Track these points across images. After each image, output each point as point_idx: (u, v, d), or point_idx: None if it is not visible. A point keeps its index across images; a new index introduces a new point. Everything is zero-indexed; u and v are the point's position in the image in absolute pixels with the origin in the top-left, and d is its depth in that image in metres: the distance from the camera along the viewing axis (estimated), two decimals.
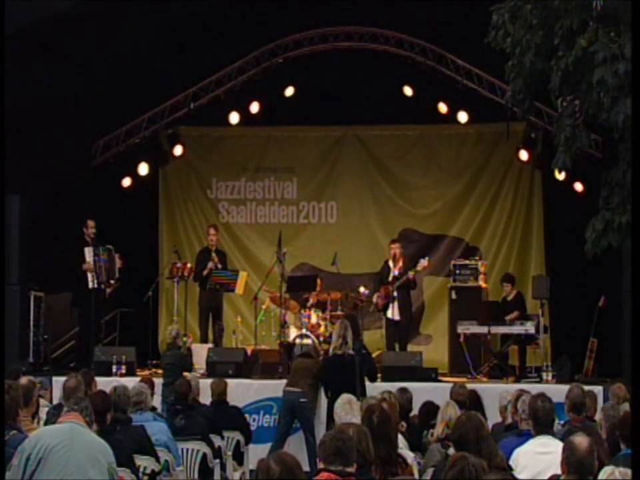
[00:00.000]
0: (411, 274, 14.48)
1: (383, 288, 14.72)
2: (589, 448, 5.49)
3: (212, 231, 15.54)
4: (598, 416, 8.39)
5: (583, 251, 9.91)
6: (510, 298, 14.83)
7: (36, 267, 14.36)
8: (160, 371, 13.98)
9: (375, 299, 14.80)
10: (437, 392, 11.30)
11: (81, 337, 14.73)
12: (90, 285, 14.31)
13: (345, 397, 7.56)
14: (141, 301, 15.26)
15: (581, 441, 5.54)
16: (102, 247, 14.47)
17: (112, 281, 14.64)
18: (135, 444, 7.91)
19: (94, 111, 15.91)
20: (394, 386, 10.84)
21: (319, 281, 15.12)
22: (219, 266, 15.16)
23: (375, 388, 11.27)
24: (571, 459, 5.49)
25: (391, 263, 14.82)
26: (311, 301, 14.83)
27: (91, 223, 14.57)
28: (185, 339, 13.93)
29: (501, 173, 17.19)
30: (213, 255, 15.24)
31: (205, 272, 15.05)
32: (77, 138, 16.05)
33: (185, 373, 12.13)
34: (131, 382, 10.02)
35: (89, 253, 14.36)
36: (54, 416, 8.09)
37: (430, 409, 9.40)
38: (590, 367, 13.56)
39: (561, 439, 6.49)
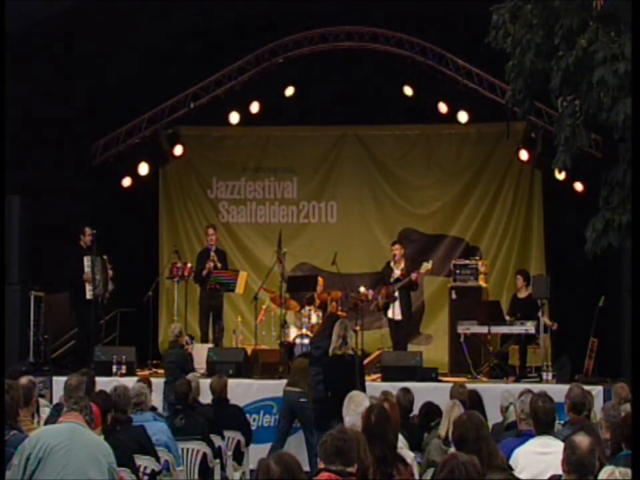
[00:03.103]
0: (413, 276, 14.51)
1: (384, 288, 14.74)
2: (589, 447, 5.49)
3: (210, 231, 15.55)
4: (598, 416, 8.39)
5: (583, 250, 9.91)
6: (523, 296, 14.74)
7: (36, 267, 14.35)
8: (160, 371, 14.01)
9: (378, 297, 14.83)
10: (437, 392, 11.31)
11: (81, 336, 14.72)
12: (88, 296, 14.30)
13: (348, 394, 7.59)
14: (141, 300, 15.26)
15: (581, 440, 5.53)
16: (99, 258, 14.43)
17: (107, 294, 14.62)
18: (135, 444, 7.92)
19: (94, 111, 15.90)
20: (394, 386, 10.86)
21: (320, 280, 15.13)
22: (219, 265, 15.17)
23: (375, 388, 11.27)
24: (571, 458, 5.48)
25: (392, 264, 14.85)
26: (318, 301, 14.84)
27: (88, 230, 14.50)
28: (186, 338, 13.85)
29: (501, 173, 17.19)
30: (212, 254, 15.25)
31: (204, 272, 15.05)
32: (77, 138, 16.05)
33: None
34: (130, 382, 10.02)
35: (87, 262, 14.34)
36: (53, 416, 8.09)
37: (430, 410, 9.40)
38: (590, 366, 13.55)
39: (562, 440, 6.49)
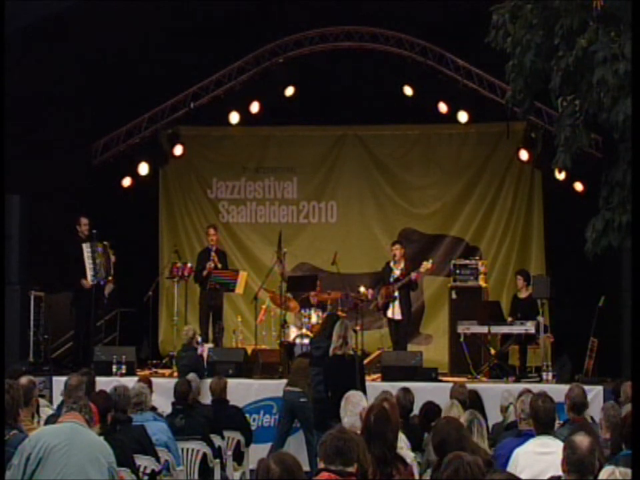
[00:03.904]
0: (413, 275, 14.52)
1: (384, 288, 14.75)
2: (589, 447, 5.49)
3: (211, 231, 15.54)
4: (598, 415, 8.39)
5: (583, 250, 9.91)
6: (523, 296, 14.76)
7: (36, 267, 14.35)
8: (160, 371, 14.04)
9: (378, 297, 14.85)
10: (437, 392, 11.30)
11: (78, 337, 14.72)
12: (90, 282, 14.31)
13: (345, 395, 7.58)
14: (141, 300, 15.26)
15: (581, 440, 5.53)
16: (99, 243, 14.48)
17: (110, 277, 14.63)
18: (136, 444, 7.92)
19: (94, 111, 15.90)
20: (394, 386, 10.86)
21: (318, 282, 15.14)
22: (219, 266, 15.17)
23: (375, 388, 11.27)
24: (571, 458, 5.48)
25: (392, 264, 14.86)
26: (317, 301, 14.84)
27: (84, 220, 14.61)
28: (197, 338, 13.83)
29: (501, 173, 17.18)
30: (213, 254, 15.25)
31: (205, 273, 15.04)
32: (77, 138, 16.05)
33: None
34: (130, 382, 10.04)
35: (86, 249, 14.38)
36: (57, 415, 8.09)
37: (430, 409, 9.39)
38: (590, 366, 13.55)
39: (562, 440, 6.49)
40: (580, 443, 5.51)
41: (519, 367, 14.53)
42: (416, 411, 9.81)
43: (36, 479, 6.06)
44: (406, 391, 9.91)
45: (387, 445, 6.14)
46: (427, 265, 14.59)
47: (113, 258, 14.71)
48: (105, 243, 14.61)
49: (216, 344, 14.68)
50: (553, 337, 14.60)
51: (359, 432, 6.36)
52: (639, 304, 7.99)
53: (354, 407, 7.42)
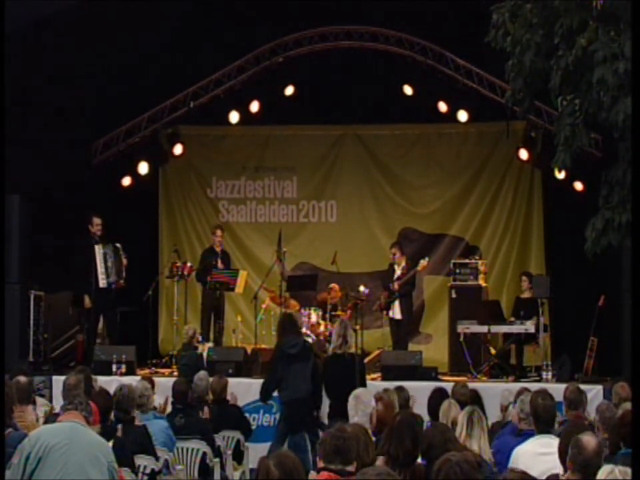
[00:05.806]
0: (419, 266, 14.65)
1: (386, 291, 14.81)
2: (596, 448, 5.48)
3: (218, 232, 15.48)
4: (593, 416, 8.40)
5: (583, 250, 9.91)
6: (525, 296, 14.81)
7: (36, 267, 14.35)
8: (161, 370, 14.04)
9: (381, 298, 14.87)
10: None
11: (87, 335, 14.77)
12: (101, 284, 14.36)
13: (353, 393, 7.56)
14: (141, 300, 15.25)
15: (588, 440, 5.51)
16: (111, 245, 14.51)
17: (121, 281, 14.68)
18: (137, 444, 7.92)
19: (94, 110, 15.89)
20: (394, 385, 10.84)
21: (336, 287, 15.13)
22: (221, 267, 15.17)
23: (375, 387, 11.26)
24: (578, 458, 5.46)
25: (395, 265, 14.93)
26: (318, 300, 14.88)
27: (97, 220, 14.61)
28: (198, 337, 13.84)
29: (501, 172, 17.18)
30: (219, 256, 15.24)
31: (209, 278, 14.98)
32: (77, 137, 16.04)
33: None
34: (130, 381, 10.02)
35: (98, 251, 14.41)
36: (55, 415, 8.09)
37: (443, 395, 9.33)
38: (590, 365, 13.56)
39: (558, 436, 6.50)
40: (587, 443, 5.49)
41: (515, 366, 14.55)
42: (414, 409, 9.80)
43: (36, 479, 6.05)
44: (400, 389, 9.91)
45: (403, 447, 6.16)
46: (423, 263, 14.72)
47: (124, 261, 14.73)
48: (118, 245, 14.63)
49: (216, 343, 14.68)
50: (549, 336, 14.62)
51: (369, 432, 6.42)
52: (639, 304, 8.00)
53: (365, 407, 7.41)
